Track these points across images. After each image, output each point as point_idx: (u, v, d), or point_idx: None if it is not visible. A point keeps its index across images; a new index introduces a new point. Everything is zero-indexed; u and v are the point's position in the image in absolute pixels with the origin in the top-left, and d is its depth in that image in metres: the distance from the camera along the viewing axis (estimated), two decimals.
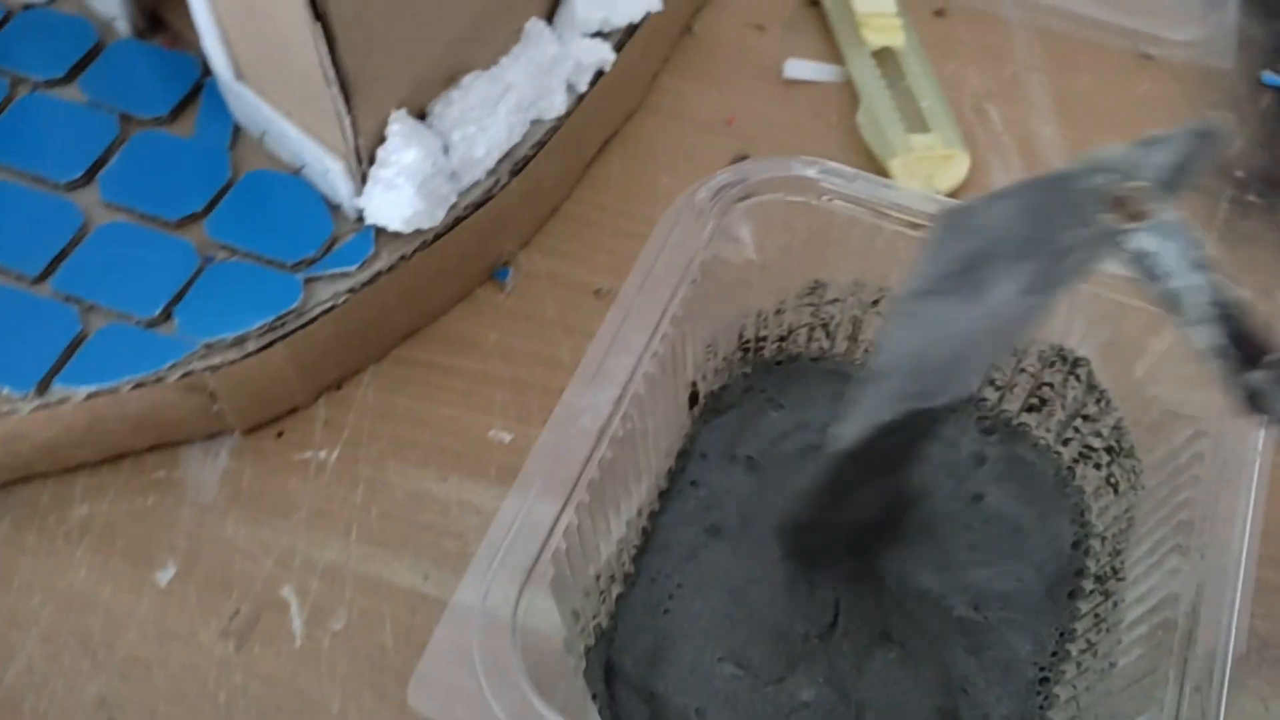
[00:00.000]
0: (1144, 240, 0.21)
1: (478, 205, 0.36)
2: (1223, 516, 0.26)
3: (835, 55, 0.46)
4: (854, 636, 0.30)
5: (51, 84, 0.39)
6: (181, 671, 0.32)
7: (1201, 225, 0.41)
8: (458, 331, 0.38)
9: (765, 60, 0.46)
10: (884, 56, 0.44)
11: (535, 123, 0.38)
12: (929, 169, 0.41)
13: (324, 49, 0.30)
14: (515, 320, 0.39)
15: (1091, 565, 0.31)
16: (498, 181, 0.36)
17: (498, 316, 0.39)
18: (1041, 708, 0.29)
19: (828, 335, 0.34)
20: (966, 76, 0.45)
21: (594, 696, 0.29)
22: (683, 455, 0.33)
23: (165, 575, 0.33)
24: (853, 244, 0.32)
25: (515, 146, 0.37)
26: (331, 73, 0.31)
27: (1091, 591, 0.30)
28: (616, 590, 0.31)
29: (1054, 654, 0.30)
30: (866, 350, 0.35)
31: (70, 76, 0.39)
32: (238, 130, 0.37)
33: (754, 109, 0.44)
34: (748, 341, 0.34)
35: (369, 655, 0.32)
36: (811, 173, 0.31)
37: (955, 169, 0.41)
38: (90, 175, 0.36)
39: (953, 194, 0.41)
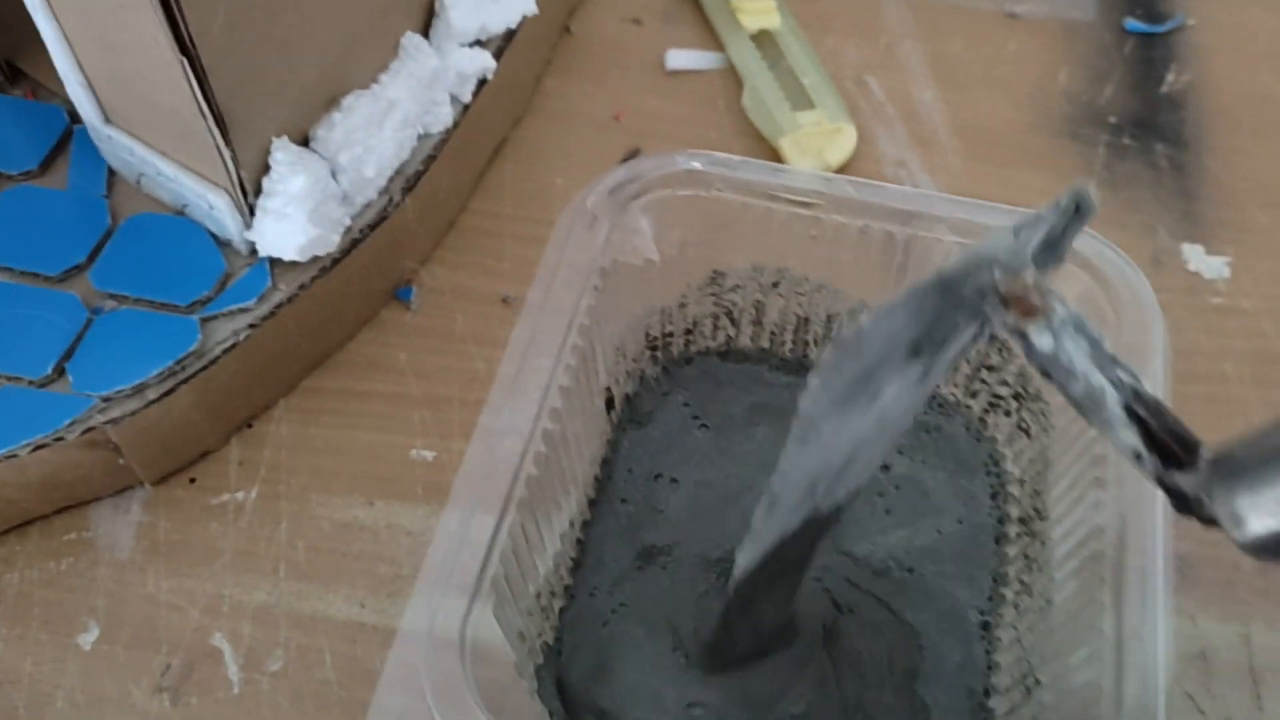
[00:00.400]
0: (1045, 341, 0.20)
1: (373, 226, 0.36)
2: None
3: (715, 43, 0.46)
4: (806, 632, 0.30)
5: None
6: None
7: (1083, 173, 0.42)
8: (367, 355, 0.38)
9: (646, 54, 0.46)
10: (762, 39, 0.45)
11: (423, 137, 0.37)
12: (818, 144, 0.42)
13: (194, 82, 0.30)
14: (425, 338, 0.38)
15: (1014, 510, 0.32)
16: (391, 200, 0.36)
17: (406, 336, 0.38)
18: (988, 652, 0.30)
19: (732, 323, 0.35)
20: (844, 51, 0.46)
21: (551, 715, 0.29)
22: (606, 464, 0.33)
23: (88, 638, 0.32)
24: (747, 230, 0.32)
25: (405, 163, 0.37)
26: (205, 106, 0.30)
27: (1019, 535, 0.31)
28: (558, 604, 0.31)
29: (990, 598, 0.30)
30: (772, 334, 0.35)
31: None
32: (113, 176, 0.36)
33: (640, 103, 0.44)
34: (655, 339, 0.34)
35: (312, 692, 0.31)
36: (698, 165, 0.31)
37: (844, 142, 0.42)
38: None
39: (843, 166, 0.42)
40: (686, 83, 0.45)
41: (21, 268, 0.34)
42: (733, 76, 0.45)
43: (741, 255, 0.33)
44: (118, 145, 0.35)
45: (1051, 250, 0.20)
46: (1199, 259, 0.39)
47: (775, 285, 0.34)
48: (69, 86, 0.34)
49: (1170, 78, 0.45)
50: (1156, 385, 0.29)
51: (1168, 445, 0.18)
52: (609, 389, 0.33)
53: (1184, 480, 0.18)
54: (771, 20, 0.45)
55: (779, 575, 0.28)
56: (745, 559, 0.26)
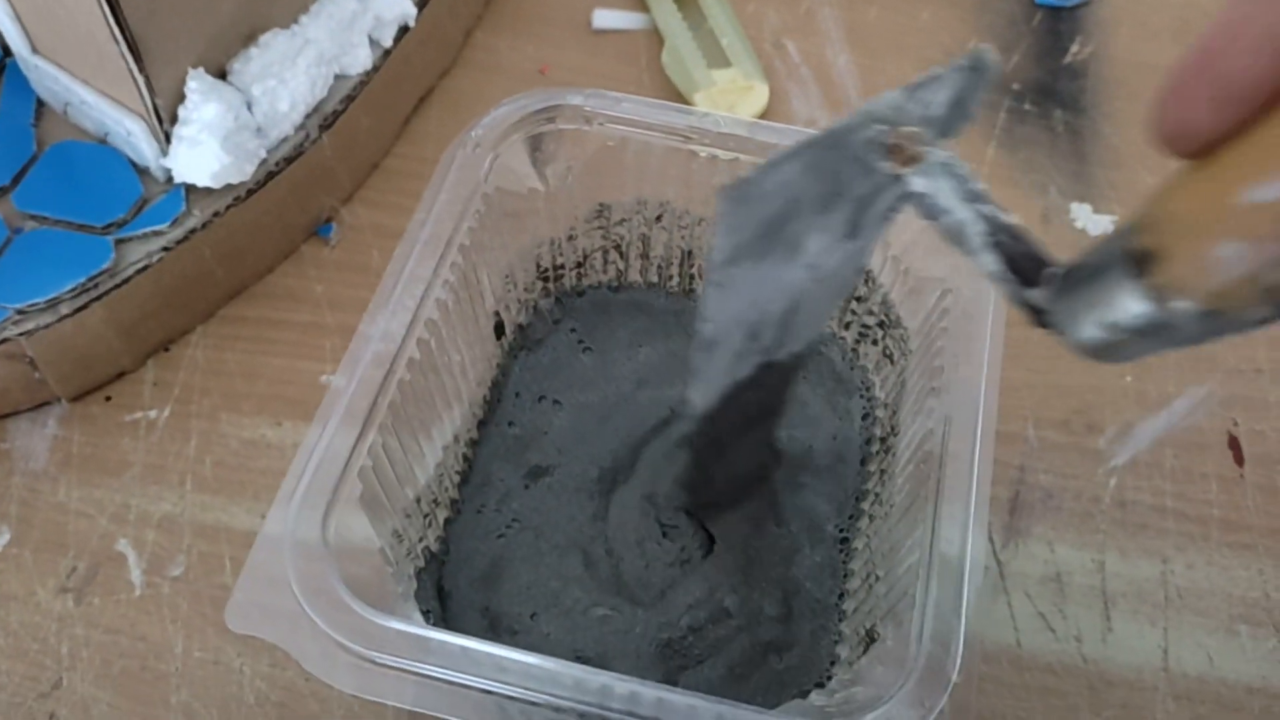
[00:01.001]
0: (919, 182, 0.22)
1: (290, 160, 0.37)
2: (964, 355, 0.29)
3: (640, 4, 0.48)
4: (691, 540, 0.32)
5: None
6: (21, 629, 0.32)
7: (982, 135, 0.44)
8: (285, 287, 0.39)
9: (574, 13, 0.48)
10: (685, 2, 0.47)
11: (340, 78, 0.39)
12: (731, 100, 0.43)
13: (108, 11, 0.31)
14: (342, 271, 0.40)
15: (876, 430, 0.33)
16: (308, 136, 0.37)
17: (324, 270, 0.40)
18: (844, 560, 0.32)
19: (621, 256, 0.36)
20: (765, 15, 0.48)
21: (426, 613, 0.30)
22: (496, 387, 0.35)
23: None
24: (628, 164, 0.34)
25: (323, 102, 0.38)
26: (118, 33, 0.32)
27: (877, 453, 0.33)
28: (443, 514, 0.32)
29: (851, 516, 0.32)
30: (660, 268, 0.37)
31: None
32: (41, 105, 0.38)
33: (566, 59, 0.46)
34: (545, 270, 0.36)
35: (210, 596, 0.33)
36: (578, 100, 0.33)
37: (755, 98, 0.44)
38: None
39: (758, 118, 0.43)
40: (611, 41, 0.47)
41: None
42: (656, 37, 0.46)
43: (625, 189, 0.35)
44: (45, 75, 0.36)
45: (960, 109, 0.22)
46: (1086, 217, 0.41)
47: (659, 219, 0.35)
48: None
49: (1074, 49, 0.47)
50: (990, 297, 0.30)
51: (1023, 264, 0.20)
52: (498, 314, 0.34)
53: (1035, 296, 0.20)
54: None
55: (748, 420, 0.29)
56: (699, 396, 0.27)
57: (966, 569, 0.25)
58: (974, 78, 0.22)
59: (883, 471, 0.31)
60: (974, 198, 0.21)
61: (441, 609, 0.31)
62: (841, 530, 0.32)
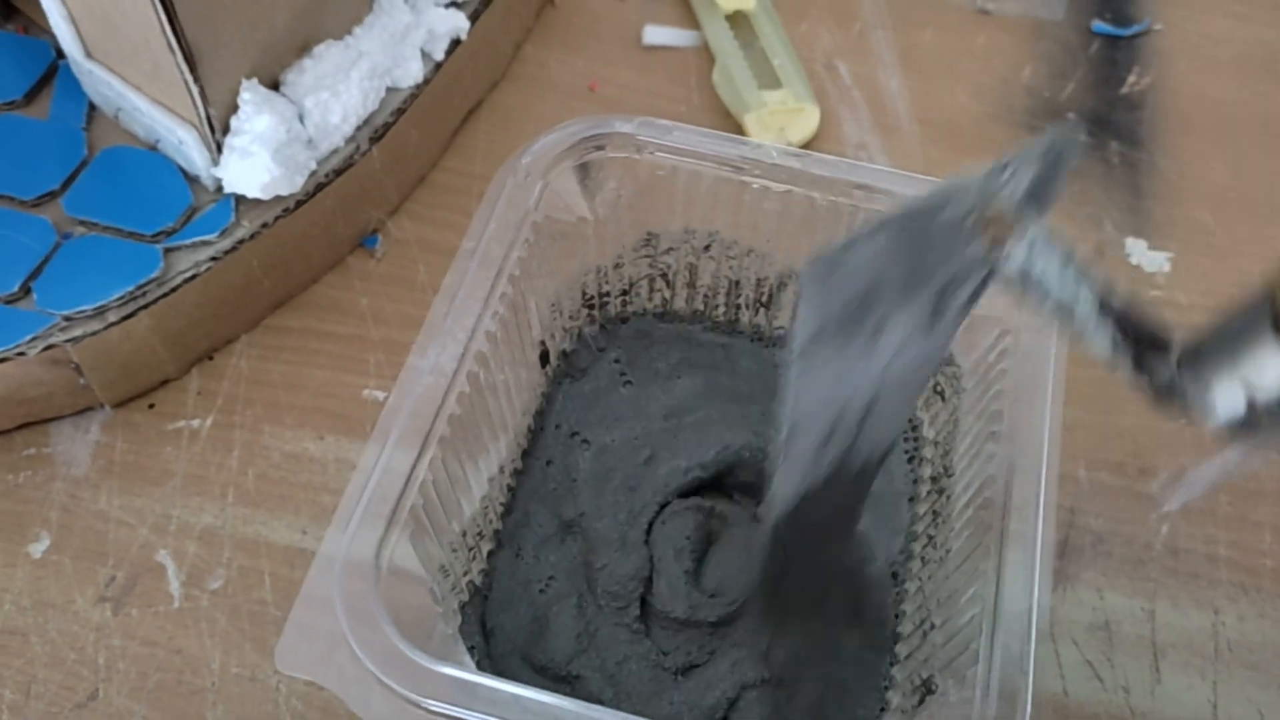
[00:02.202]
0: (1016, 260, 0.20)
1: (339, 171, 0.37)
2: (1026, 400, 0.28)
3: (691, 21, 0.47)
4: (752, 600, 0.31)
5: None
6: (59, 638, 0.32)
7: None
8: (330, 298, 0.39)
9: (625, 28, 0.47)
10: (737, 20, 0.46)
11: (392, 90, 0.38)
12: (781, 122, 0.43)
13: (164, 18, 0.31)
14: (387, 285, 0.39)
15: (926, 470, 0.33)
16: (358, 148, 0.37)
17: (369, 282, 0.39)
18: (897, 600, 0.31)
19: (668, 285, 0.36)
20: (817, 36, 0.47)
21: (471, 649, 0.30)
22: (540, 415, 0.34)
23: (39, 548, 0.33)
24: (678, 193, 0.33)
25: (374, 114, 0.38)
26: (174, 42, 0.31)
27: (929, 493, 0.32)
28: (486, 546, 0.32)
29: (901, 552, 0.32)
30: (706, 298, 0.36)
31: None
32: (93, 109, 0.38)
33: (615, 75, 0.46)
34: (591, 298, 0.36)
35: (249, 611, 0.32)
36: (630, 128, 0.32)
37: (807, 121, 0.43)
38: None
39: (805, 146, 0.43)
40: (661, 58, 0.46)
41: None
42: (706, 55, 0.46)
43: (673, 218, 0.34)
44: (98, 80, 0.36)
45: (1042, 193, 0.21)
46: (1141, 253, 0.41)
47: (707, 248, 0.35)
48: (53, 21, 0.35)
49: (1131, 79, 0.46)
50: (1051, 340, 0.30)
51: (1138, 342, 0.19)
52: (543, 343, 0.34)
53: (1157, 372, 0.19)
54: (747, 2, 0.46)
55: (822, 530, 0.28)
56: (776, 501, 0.26)
57: (1033, 629, 0.24)
58: (1058, 158, 0.21)
59: (936, 513, 0.31)
60: (1078, 273, 0.20)
61: (486, 645, 0.30)
62: (893, 566, 0.32)
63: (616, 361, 0.36)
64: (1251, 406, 0.18)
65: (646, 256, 0.35)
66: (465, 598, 0.31)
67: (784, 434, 0.24)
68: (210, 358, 0.37)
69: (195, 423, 0.36)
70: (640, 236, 0.35)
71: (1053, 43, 0.47)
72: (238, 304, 0.37)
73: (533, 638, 0.31)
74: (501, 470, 0.32)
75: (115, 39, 0.34)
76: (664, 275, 0.36)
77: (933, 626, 0.28)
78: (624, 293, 0.36)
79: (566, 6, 0.48)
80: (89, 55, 0.36)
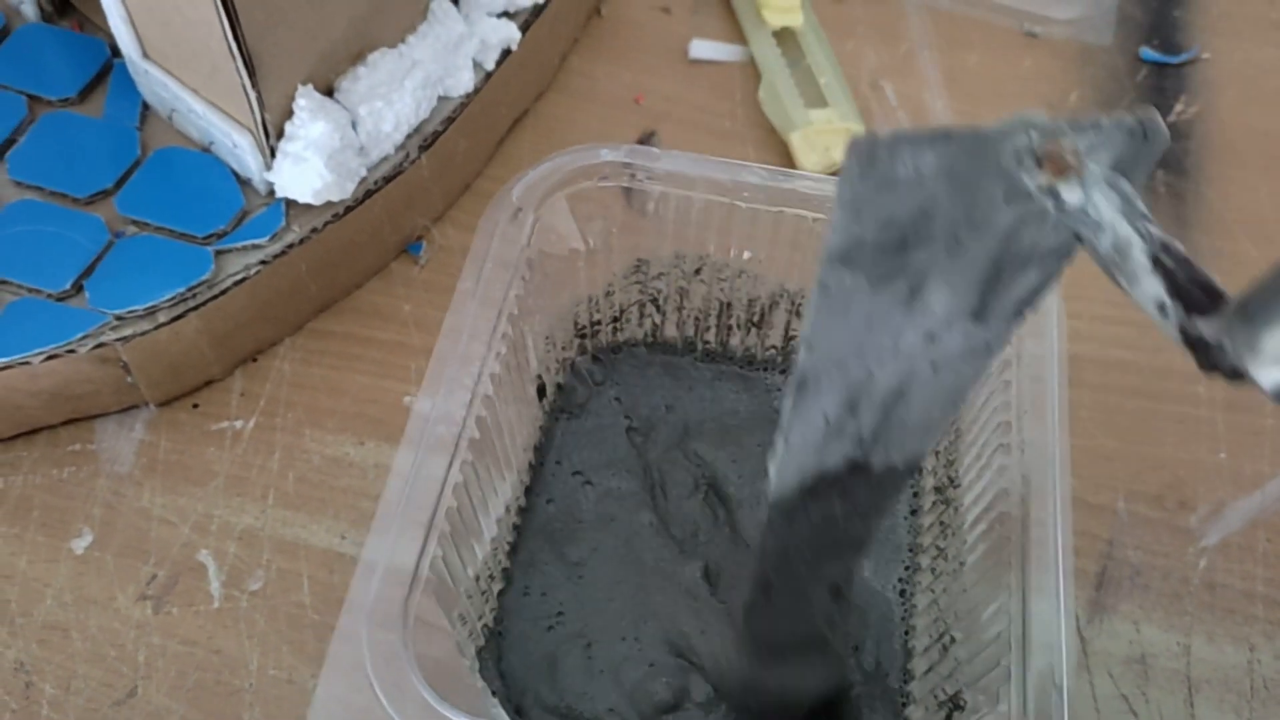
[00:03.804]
0: (1074, 195, 0.19)
1: (388, 179, 0.37)
2: (1035, 411, 0.28)
3: (738, 36, 0.47)
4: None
5: None
6: (100, 635, 0.32)
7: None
8: (373, 304, 0.39)
9: (671, 41, 0.47)
10: (784, 36, 0.46)
11: (443, 99, 0.39)
12: (827, 141, 0.43)
13: (226, 23, 0.31)
14: (429, 292, 0.40)
15: (929, 481, 0.33)
16: (407, 156, 0.37)
17: (412, 289, 0.40)
18: (905, 618, 0.31)
19: (658, 310, 0.36)
20: (863, 54, 0.47)
21: (493, 693, 0.30)
22: (539, 450, 0.34)
23: (81, 544, 0.34)
24: (668, 219, 0.33)
25: (424, 123, 0.38)
26: (234, 47, 0.32)
27: (934, 504, 0.32)
28: (497, 587, 0.32)
29: (908, 567, 0.32)
30: (696, 321, 0.36)
31: None
32: (147, 109, 0.38)
33: (661, 88, 0.46)
34: (583, 328, 0.36)
35: (287, 613, 0.33)
36: (618, 156, 0.33)
37: None
38: None
39: None
40: (707, 72, 0.46)
41: (52, 187, 0.36)
42: (752, 70, 0.46)
43: (663, 244, 0.34)
44: (153, 80, 0.37)
45: (1123, 173, 0.19)
46: None
47: (697, 272, 0.35)
48: (111, 20, 0.36)
49: (1179, 108, 0.46)
50: (1054, 344, 0.30)
51: (1192, 294, 0.18)
52: (540, 377, 0.34)
53: (1206, 328, 0.18)
54: (795, 19, 0.46)
55: (826, 544, 0.26)
56: (780, 469, 0.24)
57: (1064, 643, 0.25)
58: (1141, 146, 0.19)
59: (944, 525, 0.31)
60: (1137, 216, 0.19)
61: (504, 687, 0.31)
62: (902, 583, 0.32)
63: (618, 400, 0.36)
64: None
65: (637, 283, 0.35)
66: (481, 642, 0.31)
67: (796, 384, 0.22)
68: (254, 360, 0.38)
69: (238, 424, 0.36)
70: (630, 264, 0.35)
71: (1100, 68, 0.47)
72: (283, 307, 0.37)
73: (545, 676, 0.31)
74: (508, 510, 0.32)
75: (174, 41, 0.35)
76: (654, 300, 0.36)
77: (954, 641, 0.28)
78: (614, 320, 0.36)
79: (613, 18, 0.48)
80: (146, 55, 0.36)
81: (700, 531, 0.33)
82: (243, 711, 0.31)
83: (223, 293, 0.34)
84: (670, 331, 0.37)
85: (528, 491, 0.34)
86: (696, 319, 0.36)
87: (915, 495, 0.33)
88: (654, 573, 0.32)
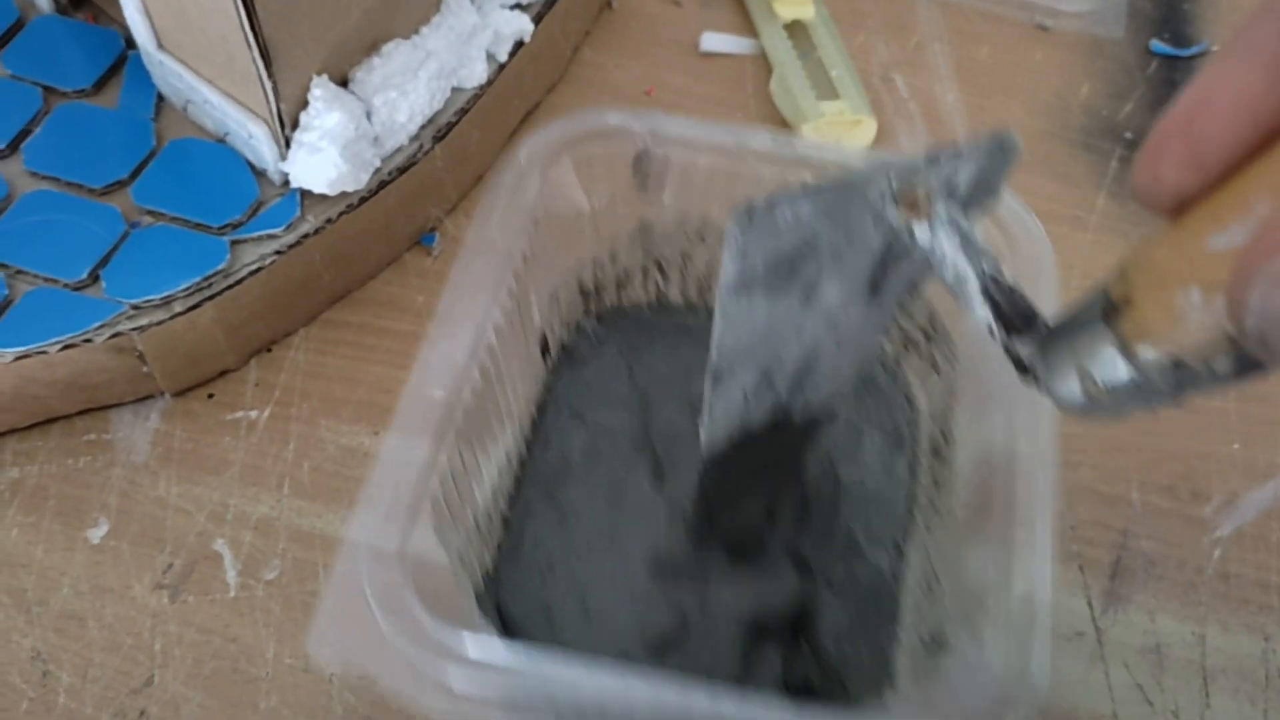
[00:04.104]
0: (922, 233, 0.23)
1: (402, 170, 0.37)
2: None
3: (749, 29, 0.47)
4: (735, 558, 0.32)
5: None
6: (116, 623, 0.32)
7: (1094, 183, 0.43)
8: (386, 295, 0.39)
9: (682, 34, 0.47)
10: (795, 29, 0.46)
11: (457, 90, 0.39)
12: (838, 133, 0.43)
13: (242, 13, 0.31)
14: (442, 283, 0.39)
15: (924, 441, 0.34)
16: (421, 147, 0.38)
17: (426, 280, 0.40)
18: (895, 575, 0.32)
19: (662, 274, 0.36)
20: (874, 47, 0.47)
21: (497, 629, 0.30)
22: (542, 407, 0.35)
23: (98, 533, 0.34)
24: (673, 182, 0.34)
25: (438, 113, 0.38)
26: (251, 37, 0.32)
27: (929, 464, 0.33)
28: (496, 536, 0.32)
29: (904, 527, 0.33)
30: (699, 284, 0.37)
31: None
32: (161, 100, 0.38)
33: (672, 81, 0.46)
34: (588, 290, 0.36)
35: (302, 602, 0.33)
36: (625, 120, 0.33)
37: (863, 133, 0.43)
38: (14, 146, 0.37)
39: None
40: (718, 65, 0.46)
41: (68, 178, 0.36)
42: (763, 63, 0.46)
43: (669, 207, 0.35)
44: (168, 71, 0.37)
45: (985, 188, 0.23)
46: None
47: (701, 236, 0.35)
48: (127, 11, 0.36)
49: None
50: (1051, 303, 0.30)
51: (1013, 319, 0.21)
52: (544, 334, 0.35)
53: (1022, 349, 0.21)
54: (805, 12, 0.46)
55: (757, 480, 0.29)
56: (707, 431, 0.27)
57: (1048, 583, 0.25)
58: (998, 158, 0.22)
59: (937, 481, 0.32)
60: (975, 254, 0.22)
61: (503, 632, 0.31)
62: (896, 541, 0.32)
63: (619, 353, 0.36)
64: (1086, 392, 0.20)
65: (641, 246, 0.36)
66: (481, 586, 0.31)
67: (712, 375, 0.26)
68: (269, 350, 0.38)
69: (253, 414, 0.36)
70: (635, 226, 0.35)
71: (1111, 61, 0.47)
72: (298, 297, 0.37)
73: (543, 625, 0.31)
74: (509, 459, 0.33)
75: (190, 32, 0.35)
76: (658, 264, 0.36)
77: (941, 586, 0.29)
78: (619, 283, 0.37)
79: (624, 11, 0.48)
80: (161, 47, 0.37)
81: (685, 460, 0.33)
82: (259, 699, 0.31)
83: (238, 282, 0.34)
84: (674, 295, 0.37)
85: (529, 443, 0.34)
86: (699, 283, 0.37)
87: (913, 455, 0.34)
88: (636, 505, 0.32)
